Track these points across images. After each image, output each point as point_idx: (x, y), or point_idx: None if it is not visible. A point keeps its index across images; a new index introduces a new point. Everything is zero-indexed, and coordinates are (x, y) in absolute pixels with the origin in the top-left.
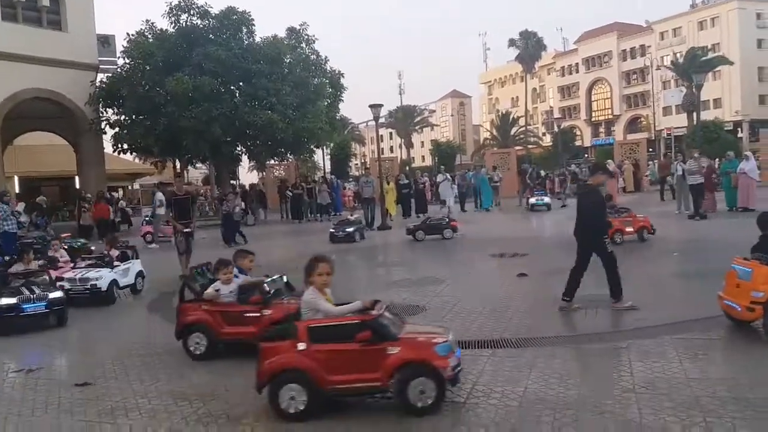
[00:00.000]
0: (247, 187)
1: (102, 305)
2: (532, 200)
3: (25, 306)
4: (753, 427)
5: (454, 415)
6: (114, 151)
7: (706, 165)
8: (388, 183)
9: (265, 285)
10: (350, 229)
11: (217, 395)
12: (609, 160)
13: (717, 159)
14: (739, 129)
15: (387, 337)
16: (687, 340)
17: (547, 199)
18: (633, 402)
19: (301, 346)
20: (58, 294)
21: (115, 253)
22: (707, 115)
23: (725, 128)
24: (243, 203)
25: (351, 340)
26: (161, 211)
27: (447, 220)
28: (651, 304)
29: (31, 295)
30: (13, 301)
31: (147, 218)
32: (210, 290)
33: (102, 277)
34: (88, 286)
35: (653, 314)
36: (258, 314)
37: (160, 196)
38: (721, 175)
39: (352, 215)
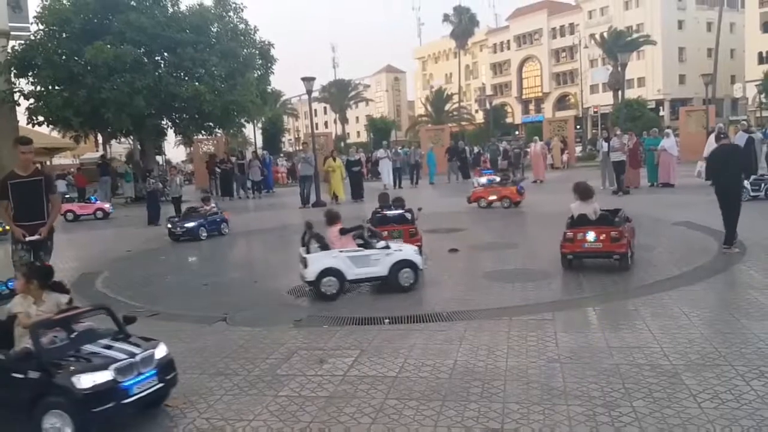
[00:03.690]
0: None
1: None
2: (482, 180)
3: None
4: (666, 391)
5: (386, 388)
6: (28, 124)
7: (628, 142)
8: (335, 160)
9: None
10: (191, 224)
11: None
12: (536, 137)
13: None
14: (661, 107)
15: None
16: (608, 311)
17: (497, 179)
18: (558, 371)
19: None
20: None
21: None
22: (631, 94)
23: (648, 106)
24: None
25: None
26: None
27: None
28: (572, 276)
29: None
30: None
31: (67, 196)
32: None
33: None
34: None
35: (575, 287)
36: None
37: None
38: (645, 151)
39: (204, 206)
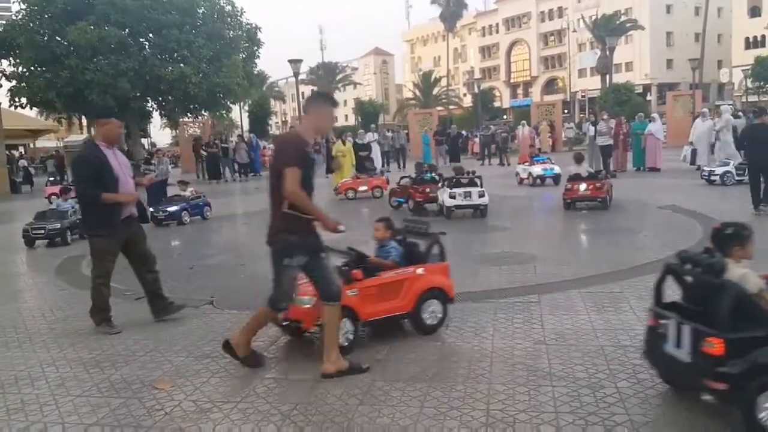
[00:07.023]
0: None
1: None
2: (536, 170)
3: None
4: (650, 372)
5: (372, 371)
6: (10, 106)
7: (614, 126)
8: (344, 143)
9: None
10: (173, 208)
11: (131, 360)
12: (523, 121)
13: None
14: (648, 92)
15: None
16: (594, 293)
17: (557, 169)
18: (543, 353)
19: None
20: None
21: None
22: (619, 78)
23: (635, 91)
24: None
25: None
26: None
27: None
28: (560, 259)
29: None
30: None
31: (51, 179)
32: None
33: None
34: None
35: (562, 269)
36: None
37: None
38: (631, 135)
39: (186, 190)
